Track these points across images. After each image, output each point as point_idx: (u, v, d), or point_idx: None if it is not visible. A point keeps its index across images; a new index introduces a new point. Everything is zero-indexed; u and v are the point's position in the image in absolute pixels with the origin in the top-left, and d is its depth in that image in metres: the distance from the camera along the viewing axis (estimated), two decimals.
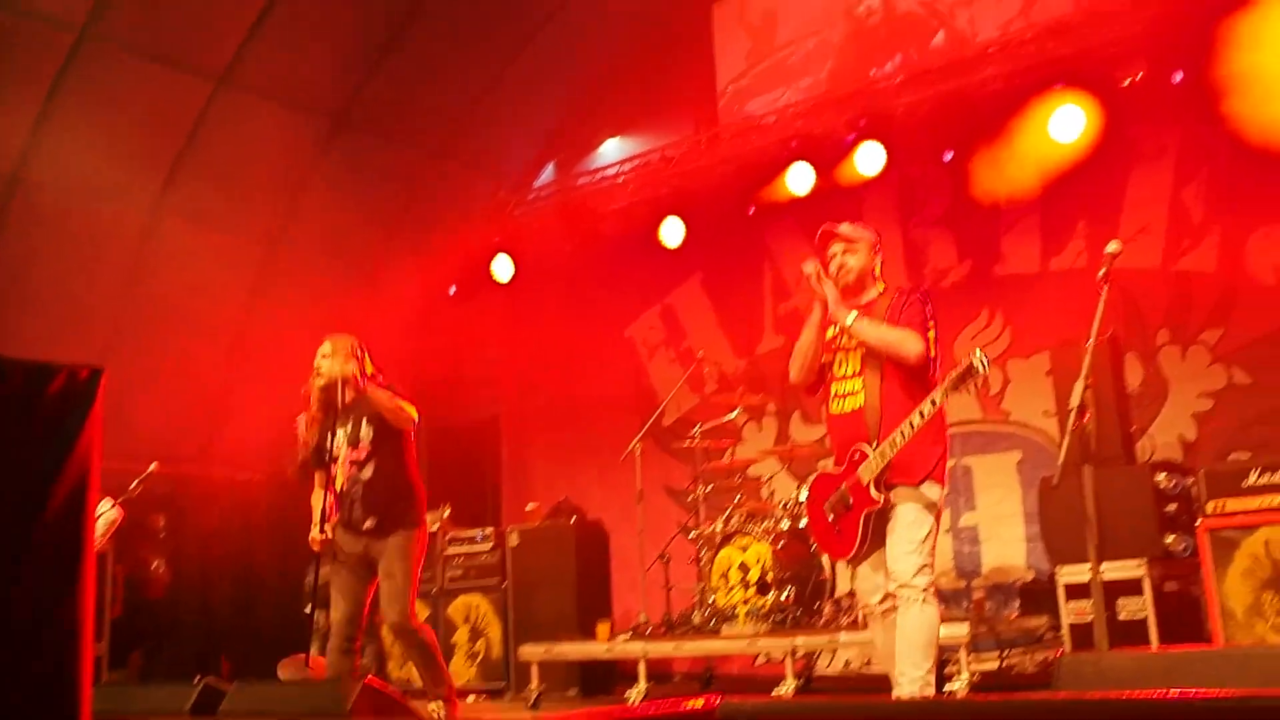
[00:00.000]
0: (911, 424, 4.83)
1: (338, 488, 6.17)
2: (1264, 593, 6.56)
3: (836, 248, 5.32)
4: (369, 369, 6.22)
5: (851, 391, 5.13)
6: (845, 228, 5.33)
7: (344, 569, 6.15)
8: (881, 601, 5.02)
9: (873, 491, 4.90)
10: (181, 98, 10.70)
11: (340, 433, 6.11)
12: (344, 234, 12.26)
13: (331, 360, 6.16)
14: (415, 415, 6.13)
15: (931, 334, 5.07)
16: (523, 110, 12.73)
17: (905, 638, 4.84)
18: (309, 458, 6.23)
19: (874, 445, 4.94)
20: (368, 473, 6.11)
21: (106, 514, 8.72)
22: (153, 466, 9.06)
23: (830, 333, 5.28)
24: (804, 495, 5.34)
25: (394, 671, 10.12)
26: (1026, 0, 9.97)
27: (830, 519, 5.12)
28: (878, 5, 10.90)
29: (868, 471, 4.92)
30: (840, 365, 5.23)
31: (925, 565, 4.88)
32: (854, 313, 5.12)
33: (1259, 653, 3.28)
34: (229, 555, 11.70)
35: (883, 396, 5.01)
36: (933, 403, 4.82)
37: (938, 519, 5.00)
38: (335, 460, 6.12)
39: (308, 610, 7.91)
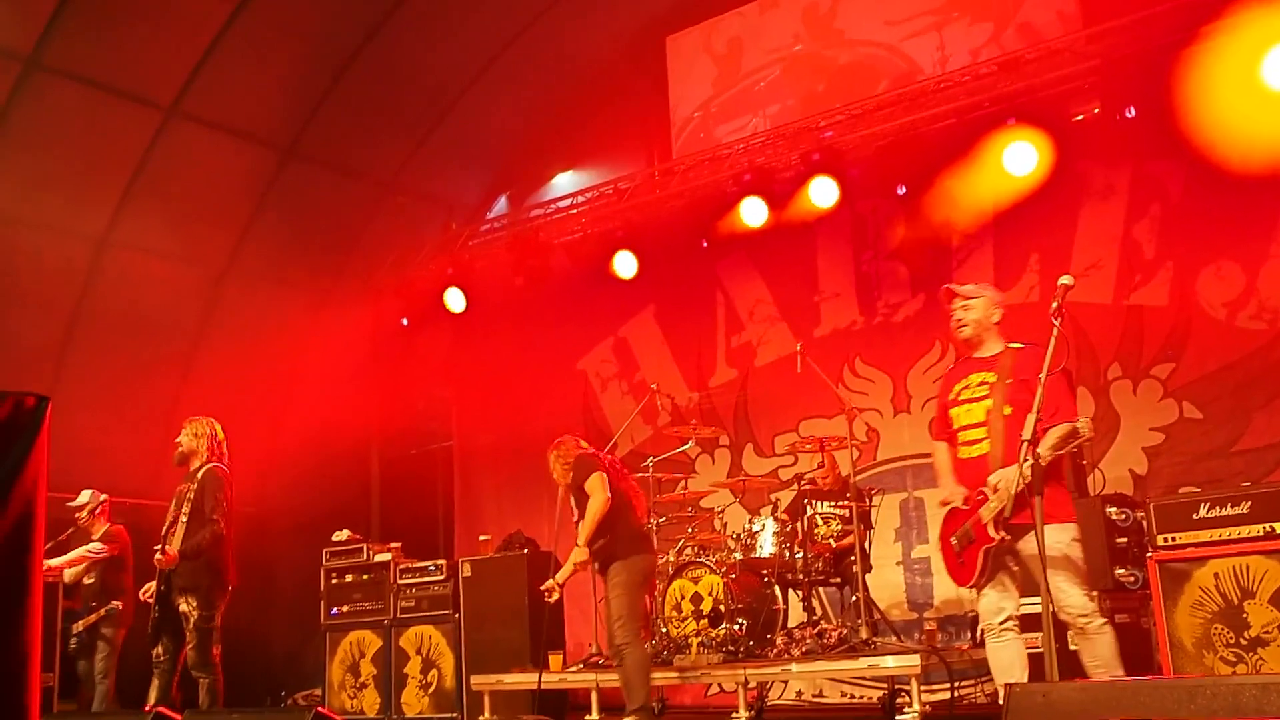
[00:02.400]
0: (1023, 475, 5.16)
1: None
2: (1213, 625, 6.59)
3: (955, 304, 5.74)
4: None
5: (977, 439, 5.54)
6: (966, 288, 5.77)
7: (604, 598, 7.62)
8: (1003, 623, 5.44)
9: (990, 530, 5.33)
10: (130, 128, 10.62)
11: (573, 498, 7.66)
12: (294, 265, 12.19)
13: (552, 466, 7.78)
14: (603, 497, 7.37)
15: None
16: (475, 143, 12.72)
17: (1099, 657, 5.30)
18: None
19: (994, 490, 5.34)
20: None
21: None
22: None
23: (956, 389, 5.68)
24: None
25: (345, 702, 10.03)
26: (995, 30, 10.04)
27: (955, 550, 5.56)
28: (841, 36, 10.97)
29: (987, 512, 5.33)
30: (966, 415, 5.61)
31: (1090, 593, 5.38)
32: (1016, 478, 5.27)
33: (1207, 684, 3.28)
34: None
35: (1005, 445, 5.38)
36: (1038, 457, 5.12)
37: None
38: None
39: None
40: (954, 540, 5.57)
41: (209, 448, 7.78)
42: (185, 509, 7.52)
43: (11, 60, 9.71)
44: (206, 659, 7.48)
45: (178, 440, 7.83)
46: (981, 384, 5.59)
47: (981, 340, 5.67)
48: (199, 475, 7.65)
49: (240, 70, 10.66)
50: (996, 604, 5.45)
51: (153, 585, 7.64)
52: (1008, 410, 5.41)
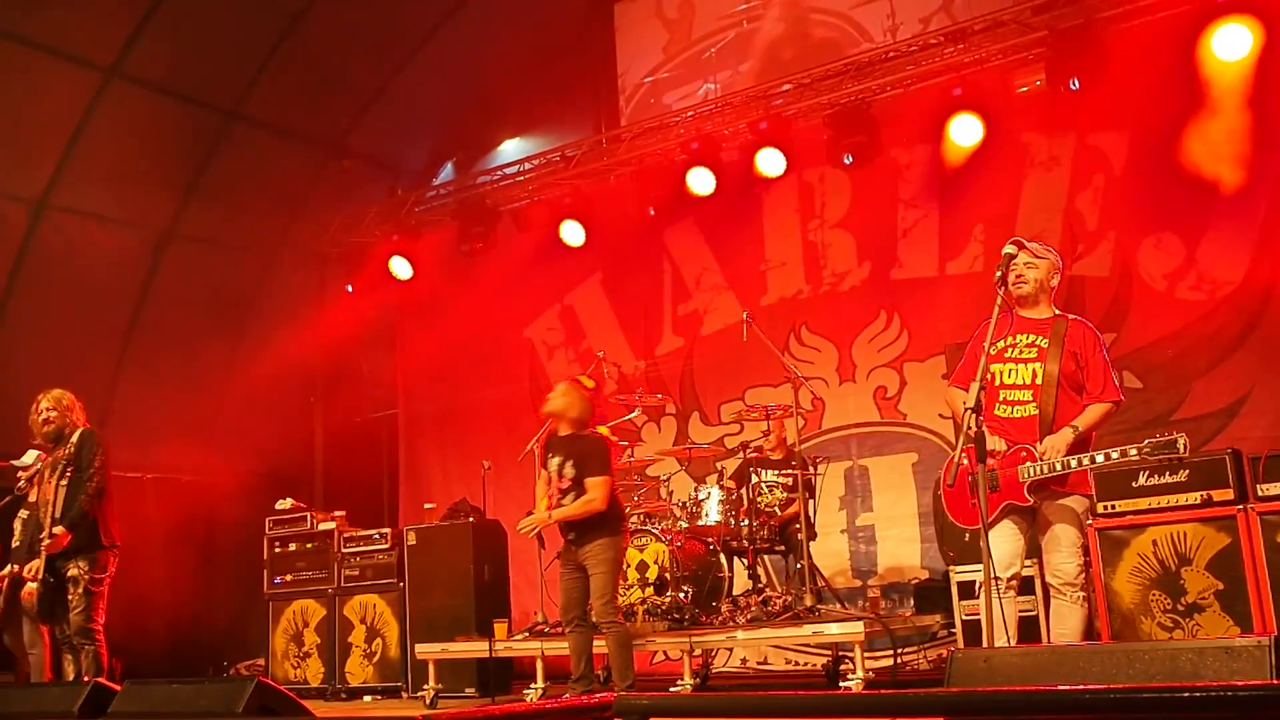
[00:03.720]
0: (1094, 459, 5.25)
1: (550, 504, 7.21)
2: (1151, 591, 6.69)
3: (1021, 257, 5.65)
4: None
5: (1022, 400, 5.54)
6: (1034, 245, 5.72)
7: (565, 567, 7.20)
8: (1010, 580, 5.43)
9: (1026, 492, 5.37)
10: (69, 90, 10.41)
11: (555, 460, 7.15)
12: (238, 230, 12.05)
13: (563, 395, 7.19)
14: (602, 506, 6.95)
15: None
16: (421, 108, 12.62)
17: (1068, 626, 5.41)
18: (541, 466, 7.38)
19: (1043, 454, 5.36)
20: (569, 499, 7.07)
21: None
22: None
23: (999, 345, 5.56)
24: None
25: (289, 671, 9.98)
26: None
27: (973, 490, 5.46)
28: (793, 2, 10.95)
29: (1026, 474, 5.35)
30: (1011, 375, 5.58)
31: (1083, 566, 5.46)
32: (1060, 457, 5.34)
33: (1145, 649, 3.33)
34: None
35: (1057, 411, 5.44)
36: (1123, 452, 5.16)
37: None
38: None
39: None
40: (973, 482, 5.46)
41: (81, 415, 7.53)
42: (59, 472, 7.20)
43: None
44: (91, 625, 7.17)
45: (47, 418, 7.45)
46: (1031, 346, 5.58)
47: (1036, 300, 5.66)
48: (74, 438, 7.35)
49: (182, 32, 10.48)
50: (1009, 560, 5.46)
51: (37, 563, 7.17)
52: (1059, 378, 5.48)
